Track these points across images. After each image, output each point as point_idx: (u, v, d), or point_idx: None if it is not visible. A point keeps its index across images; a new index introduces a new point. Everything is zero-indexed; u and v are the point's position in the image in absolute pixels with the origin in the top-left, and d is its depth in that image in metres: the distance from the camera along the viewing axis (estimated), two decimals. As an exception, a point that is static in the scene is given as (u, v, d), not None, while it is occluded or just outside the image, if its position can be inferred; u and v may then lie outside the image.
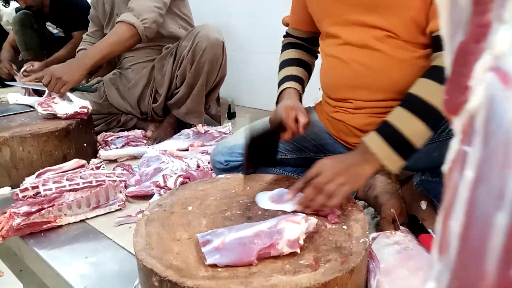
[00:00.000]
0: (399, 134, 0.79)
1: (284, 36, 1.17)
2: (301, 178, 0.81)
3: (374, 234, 0.81)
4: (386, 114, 0.94)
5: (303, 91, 1.06)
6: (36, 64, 2.28)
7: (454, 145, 0.23)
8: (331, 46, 0.97)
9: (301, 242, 0.66)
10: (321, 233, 0.71)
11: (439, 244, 0.23)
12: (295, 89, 1.02)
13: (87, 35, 1.96)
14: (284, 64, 1.10)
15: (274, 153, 0.99)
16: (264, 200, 0.82)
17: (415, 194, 1.02)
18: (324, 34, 1.01)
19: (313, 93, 1.45)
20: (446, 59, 0.24)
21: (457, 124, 0.23)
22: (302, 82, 1.06)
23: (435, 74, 0.81)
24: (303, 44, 1.12)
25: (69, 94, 1.57)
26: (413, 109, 0.80)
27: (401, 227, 0.87)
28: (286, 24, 1.19)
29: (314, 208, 0.77)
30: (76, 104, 1.50)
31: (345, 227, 0.73)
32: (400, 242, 0.77)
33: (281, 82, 1.05)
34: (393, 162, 0.79)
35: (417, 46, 0.88)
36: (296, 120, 0.90)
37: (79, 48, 1.90)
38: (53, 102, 1.51)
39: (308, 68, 1.10)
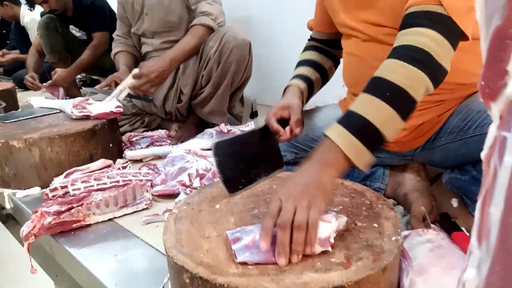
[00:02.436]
0: (364, 120, 0.69)
1: (308, 40, 1.18)
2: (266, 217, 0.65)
3: (406, 232, 0.79)
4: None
5: (311, 90, 1.06)
6: (60, 71, 2.40)
7: (492, 131, 0.22)
8: (348, 43, 0.98)
9: (332, 240, 0.65)
10: (351, 231, 0.70)
11: (477, 231, 0.23)
12: (297, 86, 1.02)
13: (118, 35, 1.97)
14: (297, 65, 1.11)
15: (275, 156, 0.93)
16: None
17: (445, 192, 1.00)
18: (341, 32, 1.01)
19: (337, 90, 1.44)
20: (481, 44, 0.24)
21: (494, 109, 0.22)
22: (309, 81, 1.05)
23: (401, 53, 0.72)
24: (325, 48, 1.12)
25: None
26: (378, 92, 0.70)
27: (432, 225, 0.86)
28: (311, 28, 1.19)
29: (298, 252, 0.62)
30: (110, 104, 1.53)
31: (376, 225, 0.72)
32: (433, 240, 0.75)
33: (290, 80, 1.06)
34: (360, 155, 0.68)
35: None
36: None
37: (115, 50, 1.93)
38: (87, 103, 1.54)
39: (322, 71, 1.10)
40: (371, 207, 0.77)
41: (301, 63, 1.10)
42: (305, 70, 1.06)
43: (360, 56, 0.95)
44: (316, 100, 2.02)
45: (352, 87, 1.03)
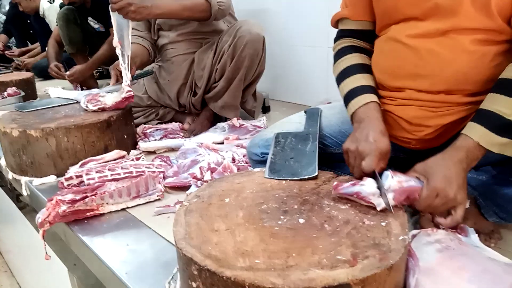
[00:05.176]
0: (499, 116, 0.77)
1: (338, 38, 1.09)
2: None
3: (415, 231, 0.79)
4: (439, 109, 0.91)
5: None
6: (77, 67, 2.49)
7: None
8: (399, 30, 0.92)
9: None
10: (359, 229, 0.70)
11: None
12: (376, 103, 0.95)
13: (133, 28, 1.96)
14: (352, 70, 1.01)
15: (313, 161, 0.95)
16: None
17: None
18: (391, 20, 0.95)
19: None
20: None
21: None
22: (376, 92, 0.99)
23: None
24: (362, 46, 1.05)
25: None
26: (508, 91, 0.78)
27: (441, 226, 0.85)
28: (335, 26, 1.13)
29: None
30: (121, 91, 1.55)
31: (383, 223, 0.72)
32: (442, 241, 0.75)
33: (355, 92, 0.97)
34: (497, 145, 0.79)
35: (504, 38, 0.83)
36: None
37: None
38: (100, 96, 1.57)
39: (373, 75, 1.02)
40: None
41: (357, 69, 1.01)
42: (370, 81, 0.99)
43: (411, 45, 0.90)
44: (329, 97, 2.02)
45: (389, 76, 0.97)
